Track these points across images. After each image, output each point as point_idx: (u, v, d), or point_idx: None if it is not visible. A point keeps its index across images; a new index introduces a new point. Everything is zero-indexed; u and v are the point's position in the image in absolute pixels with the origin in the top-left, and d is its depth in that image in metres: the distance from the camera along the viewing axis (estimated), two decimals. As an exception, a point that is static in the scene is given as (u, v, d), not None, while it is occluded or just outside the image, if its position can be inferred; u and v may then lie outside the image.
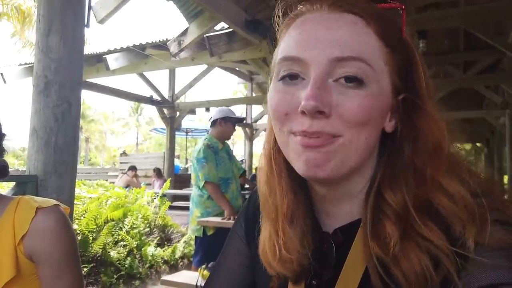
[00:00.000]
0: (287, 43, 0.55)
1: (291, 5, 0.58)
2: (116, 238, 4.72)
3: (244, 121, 9.73)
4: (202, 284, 2.41)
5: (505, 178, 9.41)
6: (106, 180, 10.55)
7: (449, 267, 0.48)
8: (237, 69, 9.71)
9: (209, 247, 3.43)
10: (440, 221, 0.50)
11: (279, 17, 0.60)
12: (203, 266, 2.71)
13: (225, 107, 3.75)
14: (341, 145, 0.52)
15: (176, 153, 12.02)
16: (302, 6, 0.57)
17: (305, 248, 0.59)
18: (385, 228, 0.52)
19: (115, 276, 4.29)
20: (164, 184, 6.59)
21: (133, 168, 9.93)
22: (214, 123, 3.60)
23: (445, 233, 0.49)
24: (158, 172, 10.27)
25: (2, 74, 8.03)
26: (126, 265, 4.48)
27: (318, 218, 0.63)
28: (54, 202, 1.08)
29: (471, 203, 0.50)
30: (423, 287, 0.48)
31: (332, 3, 0.54)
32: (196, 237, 3.52)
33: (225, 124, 3.58)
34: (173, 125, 10.29)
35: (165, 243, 5.46)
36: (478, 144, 18.86)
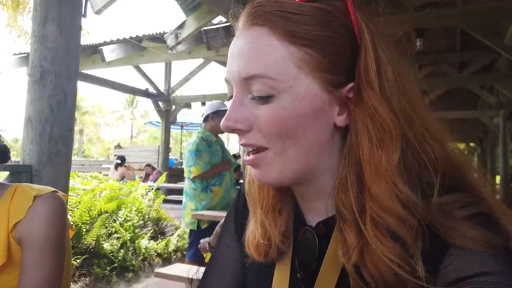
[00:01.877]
0: None
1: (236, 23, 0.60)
2: (109, 230, 4.71)
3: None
4: (193, 277, 2.41)
5: (497, 178, 9.50)
6: (100, 173, 10.51)
7: (412, 273, 0.47)
8: (233, 63, 9.67)
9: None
10: (392, 234, 0.49)
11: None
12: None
13: (215, 101, 3.74)
14: (272, 158, 0.55)
15: (170, 146, 11.99)
16: (237, 24, 0.58)
17: (287, 234, 0.62)
18: (346, 235, 0.52)
19: (108, 268, 4.28)
20: (160, 177, 6.57)
21: (122, 159, 9.84)
22: (206, 118, 3.60)
23: (401, 245, 0.48)
24: (151, 167, 10.23)
25: (-4, 63, 7.95)
26: (119, 257, 4.47)
27: (303, 213, 0.64)
28: (52, 189, 1.08)
29: (410, 221, 0.48)
30: (393, 286, 0.48)
31: (245, 19, 0.55)
32: (190, 230, 3.53)
33: (217, 118, 3.57)
34: (168, 118, 10.26)
35: (159, 236, 5.46)
36: (471, 144, 19.00)
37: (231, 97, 0.57)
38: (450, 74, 8.16)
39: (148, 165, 10.42)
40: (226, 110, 0.55)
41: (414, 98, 0.55)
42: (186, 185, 3.61)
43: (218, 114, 3.57)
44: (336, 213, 0.54)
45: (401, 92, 0.53)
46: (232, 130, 0.55)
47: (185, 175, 3.58)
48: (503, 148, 9.08)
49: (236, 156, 4.33)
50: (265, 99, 0.52)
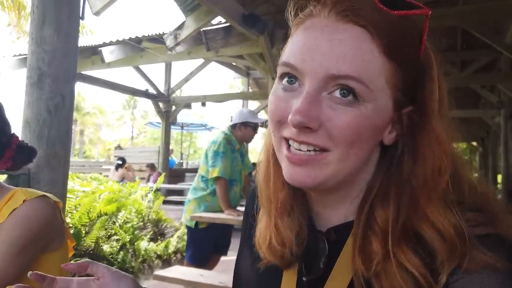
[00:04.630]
0: (291, 47, 0.54)
1: (303, 4, 0.56)
2: (109, 232, 4.70)
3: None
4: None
5: (499, 177, 9.48)
6: (100, 174, 10.50)
7: None
8: (233, 64, 9.66)
9: (199, 241, 3.41)
10: (424, 250, 0.50)
11: (291, 14, 0.58)
12: None
13: (246, 109, 3.69)
14: (330, 161, 0.52)
15: (170, 147, 11.98)
16: (312, 8, 0.54)
17: (300, 238, 0.61)
18: (371, 245, 0.52)
19: (107, 270, 4.27)
20: (159, 178, 6.56)
21: (123, 160, 9.83)
22: (234, 126, 3.55)
23: (428, 263, 0.49)
24: (152, 167, 10.22)
25: (-4, 65, 7.94)
26: (118, 259, 4.46)
27: (313, 218, 0.64)
28: (42, 193, 1.09)
29: (454, 239, 0.49)
30: None
31: (340, 12, 0.51)
32: (187, 227, 3.50)
33: (245, 129, 3.53)
34: (168, 119, 10.25)
35: (159, 237, 5.45)
36: (473, 143, 18.98)
37: (286, 75, 0.54)
38: (452, 73, 8.14)
39: (148, 165, 10.40)
40: (256, 123, 0.53)
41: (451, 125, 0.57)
42: (196, 181, 3.58)
43: (246, 124, 3.53)
44: (363, 223, 0.54)
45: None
46: (301, 127, 0.50)
47: (200, 171, 3.54)
48: (505, 147, 9.06)
49: (255, 165, 4.27)
50: (349, 101, 0.50)
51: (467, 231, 0.49)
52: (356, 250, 0.54)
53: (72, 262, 0.68)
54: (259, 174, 0.66)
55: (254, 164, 4.37)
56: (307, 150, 0.52)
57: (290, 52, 0.54)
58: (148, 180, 9.69)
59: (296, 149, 0.53)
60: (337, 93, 0.50)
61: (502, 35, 6.07)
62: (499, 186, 10.56)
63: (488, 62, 7.75)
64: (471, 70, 7.83)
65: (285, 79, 0.54)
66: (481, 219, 0.50)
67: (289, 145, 0.54)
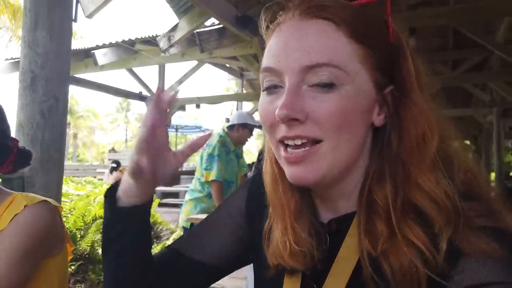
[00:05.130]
0: (266, 54, 0.58)
1: (272, 16, 0.60)
2: (104, 235, 4.67)
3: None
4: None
5: (493, 176, 9.56)
6: (95, 177, 10.46)
7: (431, 268, 0.49)
8: (227, 65, 9.66)
9: None
10: (424, 221, 0.52)
11: (264, 28, 0.62)
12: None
13: (244, 111, 3.69)
14: (325, 151, 0.54)
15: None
16: (279, 16, 0.59)
17: (312, 239, 0.61)
18: (375, 226, 0.54)
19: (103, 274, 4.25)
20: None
21: (117, 163, 9.76)
22: (232, 127, 3.54)
23: (429, 233, 0.51)
24: None
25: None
26: (115, 263, 4.44)
27: (317, 210, 0.65)
28: (44, 199, 1.07)
29: (447, 206, 0.51)
30: (409, 283, 0.50)
31: (303, 11, 0.55)
32: (184, 227, 3.50)
33: (243, 130, 3.53)
34: (162, 121, 10.20)
35: (155, 240, 5.43)
36: (466, 142, 19.13)
37: (270, 87, 0.57)
38: (443, 72, 8.20)
39: None
40: (254, 125, 0.54)
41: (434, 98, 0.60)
42: (194, 183, 3.57)
43: (244, 126, 3.52)
44: (364, 206, 0.56)
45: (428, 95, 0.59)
46: (289, 120, 0.53)
47: (197, 174, 3.53)
48: (497, 145, 9.13)
49: (250, 166, 4.24)
50: (328, 87, 0.53)
51: (461, 207, 0.51)
52: (361, 234, 0.55)
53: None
54: (266, 184, 0.67)
55: (249, 165, 4.39)
56: (302, 144, 0.54)
57: (266, 58, 0.58)
58: None
59: (293, 149, 0.55)
60: (316, 83, 0.53)
61: (493, 34, 6.13)
62: (493, 184, 10.64)
63: (479, 61, 7.81)
64: (462, 69, 7.89)
65: (268, 84, 0.57)
66: (484, 210, 0.51)
67: (286, 147, 0.56)
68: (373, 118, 0.57)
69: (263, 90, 0.58)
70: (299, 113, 0.52)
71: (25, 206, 1.02)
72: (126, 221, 0.65)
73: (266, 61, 0.57)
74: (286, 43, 0.55)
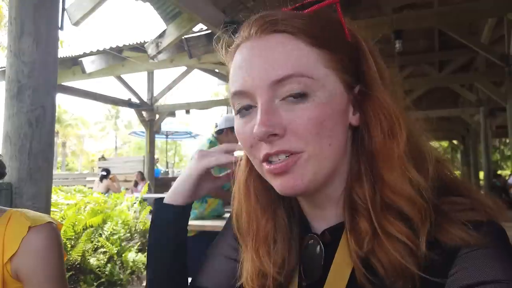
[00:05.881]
0: (232, 78, 0.58)
1: (229, 39, 0.61)
2: (95, 244, 4.61)
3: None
4: None
5: (481, 174, 9.66)
6: (85, 186, 10.31)
7: (419, 260, 0.50)
8: (216, 70, 9.67)
9: (189, 249, 3.37)
10: (404, 217, 0.52)
11: (223, 54, 0.63)
12: None
13: (232, 115, 3.66)
14: (306, 160, 0.54)
15: (155, 156, 11.86)
16: (236, 39, 0.59)
17: (283, 267, 0.61)
18: (359, 225, 0.54)
19: (95, 283, 4.19)
20: (143, 188, 6.48)
21: (107, 171, 9.68)
22: (221, 131, 3.51)
23: (410, 228, 0.51)
24: (141, 176, 10.05)
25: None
26: (106, 272, 4.38)
27: (308, 221, 0.65)
28: (48, 219, 1.04)
29: (420, 202, 0.51)
30: (402, 278, 0.50)
31: (259, 28, 0.56)
32: None
33: (231, 134, 3.49)
34: (152, 128, 10.16)
35: (147, 248, 5.37)
36: (454, 142, 19.33)
37: (242, 109, 0.57)
38: (430, 73, 8.31)
39: (140, 172, 10.22)
40: None
41: (401, 97, 0.61)
42: None
43: (233, 129, 3.49)
44: (347, 206, 0.56)
45: (395, 93, 0.59)
46: (268, 137, 0.53)
47: None
48: (485, 144, 9.25)
49: None
50: (301, 96, 0.53)
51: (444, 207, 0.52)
52: (347, 235, 0.55)
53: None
54: (234, 205, 0.68)
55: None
56: (285, 157, 0.54)
57: (232, 83, 0.58)
58: (135, 185, 9.55)
59: (275, 162, 0.55)
60: (287, 96, 0.53)
61: (478, 35, 6.23)
62: (481, 182, 10.77)
63: (465, 62, 7.94)
64: (449, 70, 8.01)
65: (239, 107, 0.57)
66: (467, 204, 0.52)
67: (269, 162, 0.55)
68: (350, 118, 0.58)
69: (236, 114, 0.58)
70: (277, 128, 0.52)
71: (29, 227, 0.98)
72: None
73: (233, 86, 0.57)
74: (249, 63, 0.55)
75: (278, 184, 0.56)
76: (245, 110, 0.57)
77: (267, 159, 0.55)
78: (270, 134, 0.52)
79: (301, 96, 0.53)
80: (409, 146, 0.55)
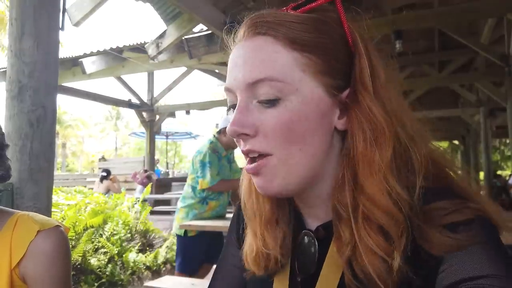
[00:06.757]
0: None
1: (232, 39, 0.62)
2: (96, 245, 4.62)
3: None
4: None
5: (481, 175, 9.66)
6: (85, 186, 10.32)
7: (398, 274, 0.49)
8: (216, 71, 9.67)
9: (188, 249, 3.38)
10: (383, 229, 0.51)
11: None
12: None
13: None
14: (275, 165, 0.55)
15: (156, 157, 11.85)
16: (235, 39, 0.61)
17: (284, 248, 0.62)
18: (340, 233, 0.55)
19: (96, 284, 4.20)
20: (145, 188, 6.48)
21: (107, 172, 9.66)
22: (221, 131, 3.51)
23: (389, 241, 0.50)
24: (148, 176, 9.97)
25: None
26: (107, 273, 4.39)
27: (303, 218, 0.65)
28: (55, 223, 1.03)
29: (398, 215, 0.50)
30: (383, 283, 0.50)
31: (246, 29, 0.57)
32: (177, 235, 3.47)
33: None
34: (152, 128, 10.17)
35: (147, 248, 5.38)
36: (454, 142, 19.32)
37: (231, 107, 0.58)
38: (430, 74, 8.30)
39: (146, 170, 10.16)
40: None
41: (400, 100, 0.58)
42: (185, 190, 3.54)
43: None
44: (333, 211, 0.56)
45: (391, 95, 0.57)
46: (238, 135, 0.55)
47: (188, 181, 3.52)
48: (485, 145, 9.24)
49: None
50: (272, 102, 0.54)
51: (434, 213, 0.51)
52: (334, 239, 0.56)
53: None
54: (242, 189, 0.69)
55: (242, 169, 4.37)
56: (254, 158, 0.56)
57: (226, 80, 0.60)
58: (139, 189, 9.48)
59: (249, 162, 0.56)
60: (262, 99, 0.54)
61: (477, 35, 6.24)
62: (482, 183, 10.75)
63: (465, 62, 7.93)
64: (449, 70, 8.00)
65: (230, 104, 0.59)
66: (454, 206, 0.51)
67: (251, 159, 0.57)
68: (335, 123, 0.57)
69: (228, 110, 0.61)
70: (247, 128, 0.54)
71: (38, 231, 0.97)
72: None
73: (226, 82, 0.60)
74: (234, 63, 0.57)
75: (255, 183, 0.58)
76: (233, 107, 0.59)
77: (247, 154, 0.57)
78: (240, 133, 0.54)
79: (272, 102, 0.54)
80: (396, 156, 0.53)
